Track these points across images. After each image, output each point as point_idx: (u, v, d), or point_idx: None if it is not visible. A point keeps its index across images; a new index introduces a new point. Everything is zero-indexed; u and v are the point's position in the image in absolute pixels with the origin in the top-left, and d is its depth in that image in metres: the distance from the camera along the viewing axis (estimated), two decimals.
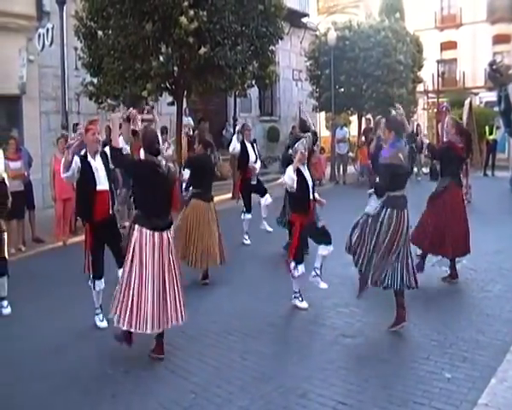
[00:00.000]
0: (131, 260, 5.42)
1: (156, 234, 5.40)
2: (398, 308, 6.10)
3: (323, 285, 7.10)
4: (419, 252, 7.95)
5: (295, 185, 6.67)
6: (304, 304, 6.95)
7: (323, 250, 7.00)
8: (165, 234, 5.47)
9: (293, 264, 6.83)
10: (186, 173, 8.22)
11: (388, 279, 6.00)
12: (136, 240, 5.40)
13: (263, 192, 10.68)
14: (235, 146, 10.64)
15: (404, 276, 6.00)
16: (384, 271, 6.00)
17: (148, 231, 5.38)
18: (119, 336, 5.65)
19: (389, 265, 5.98)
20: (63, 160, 6.32)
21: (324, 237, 6.97)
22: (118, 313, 5.43)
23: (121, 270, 6.30)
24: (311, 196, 6.91)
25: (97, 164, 6.38)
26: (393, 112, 6.63)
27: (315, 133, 9.11)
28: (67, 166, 6.19)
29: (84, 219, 6.61)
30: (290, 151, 6.99)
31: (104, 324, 6.47)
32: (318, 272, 7.09)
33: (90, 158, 6.36)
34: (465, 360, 5.31)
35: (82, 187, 6.42)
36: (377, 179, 6.44)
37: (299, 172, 6.77)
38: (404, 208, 6.03)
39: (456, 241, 7.62)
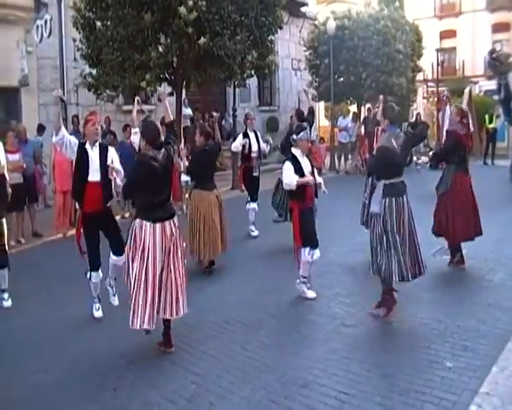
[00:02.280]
0: (134, 255, 5.38)
1: (158, 225, 5.37)
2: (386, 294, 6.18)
3: (311, 294, 6.91)
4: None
5: (294, 187, 6.64)
6: (311, 293, 6.85)
7: (310, 256, 6.84)
8: (167, 224, 5.44)
9: (307, 249, 6.70)
10: (184, 177, 8.47)
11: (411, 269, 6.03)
12: (137, 234, 5.38)
13: (255, 198, 10.53)
14: (237, 145, 10.64)
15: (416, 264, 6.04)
16: (407, 261, 5.99)
17: (149, 224, 5.35)
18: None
19: (409, 254, 5.99)
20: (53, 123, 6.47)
21: (312, 241, 6.83)
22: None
23: (115, 257, 6.38)
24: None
25: (93, 155, 6.35)
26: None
27: (312, 111, 9.20)
28: (57, 130, 6.21)
29: (77, 202, 6.60)
30: (293, 136, 6.91)
31: (99, 313, 6.53)
32: (306, 280, 6.96)
33: (87, 146, 6.35)
34: (466, 348, 5.32)
35: (77, 173, 6.43)
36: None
37: (295, 160, 6.73)
38: (402, 194, 6.03)
39: (465, 225, 7.66)
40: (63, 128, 6.29)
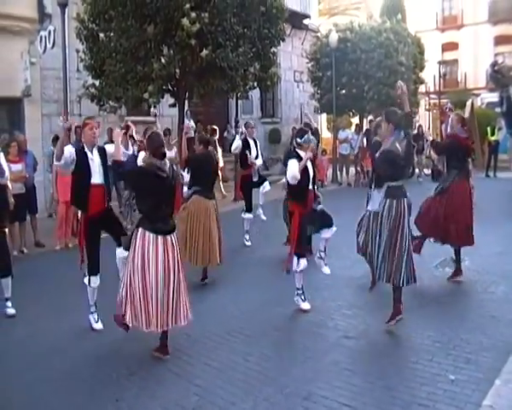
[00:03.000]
0: (134, 262, 5.42)
1: (160, 237, 5.41)
2: (395, 303, 6.10)
3: (326, 270, 7.05)
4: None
5: (298, 176, 6.61)
6: (306, 305, 6.86)
7: (326, 233, 6.95)
8: (168, 237, 5.48)
9: (295, 258, 6.75)
10: (186, 176, 8.25)
11: (393, 274, 5.99)
12: (139, 242, 5.41)
13: (263, 181, 10.71)
14: (237, 145, 10.65)
15: (403, 271, 5.98)
16: (392, 265, 5.96)
17: (152, 235, 5.39)
18: (118, 321, 5.66)
19: (396, 258, 5.95)
20: (55, 149, 6.42)
21: (325, 220, 6.92)
22: (126, 311, 5.46)
23: (120, 249, 6.37)
24: (311, 186, 6.81)
25: (94, 157, 6.36)
26: (398, 83, 6.53)
27: (317, 131, 9.12)
28: (59, 156, 6.21)
29: (78, 209, 6.61)
30: (297, 140, 6.90)
31: (99, 325, 6.49)
32: (323, 254, 7.05)
33: (87, 150, 6.36)
34: (469, 361, 5.30)
35: (77, 178, 6.41)
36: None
37: (300, 159, 6.70)
38: (403, 197, 6.02)
39: (461, 231, 7.62)
40: (66, 152, 6.28)
